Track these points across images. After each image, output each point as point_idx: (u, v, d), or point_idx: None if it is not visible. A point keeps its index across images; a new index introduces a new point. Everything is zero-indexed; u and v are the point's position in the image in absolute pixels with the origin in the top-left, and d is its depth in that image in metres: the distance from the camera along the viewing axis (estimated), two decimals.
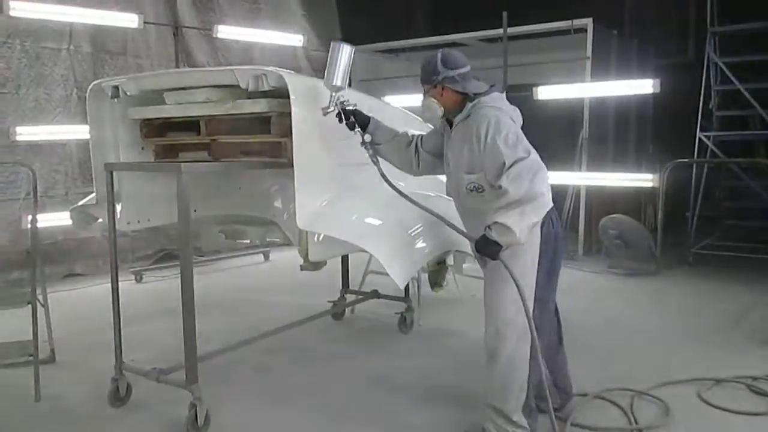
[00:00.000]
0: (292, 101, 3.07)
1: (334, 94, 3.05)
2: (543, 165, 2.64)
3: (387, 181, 3.03)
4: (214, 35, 7.47)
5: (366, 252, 3.19)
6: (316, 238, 3.49)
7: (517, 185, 2.57)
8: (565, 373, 3.27)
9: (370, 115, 3.18)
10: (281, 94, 3.17)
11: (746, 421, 3.34)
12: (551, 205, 2.69)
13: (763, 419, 3.36)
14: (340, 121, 3.10)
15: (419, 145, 3.21)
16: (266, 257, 7.79)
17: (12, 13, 5.85)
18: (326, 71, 2.98)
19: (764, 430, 3.27)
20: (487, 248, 2.65)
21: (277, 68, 3.22)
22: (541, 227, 2.80)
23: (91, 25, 6.56)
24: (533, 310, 2.74)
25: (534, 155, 2.66)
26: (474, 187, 2.79)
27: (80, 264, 6.78)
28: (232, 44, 7.87)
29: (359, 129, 3.11)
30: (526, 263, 2.79)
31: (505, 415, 2.90)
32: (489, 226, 2.63)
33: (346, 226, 3.19)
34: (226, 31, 7.52)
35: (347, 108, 3.09)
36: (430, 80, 2.88)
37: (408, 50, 9.19)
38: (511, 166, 2.59)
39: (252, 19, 8.20)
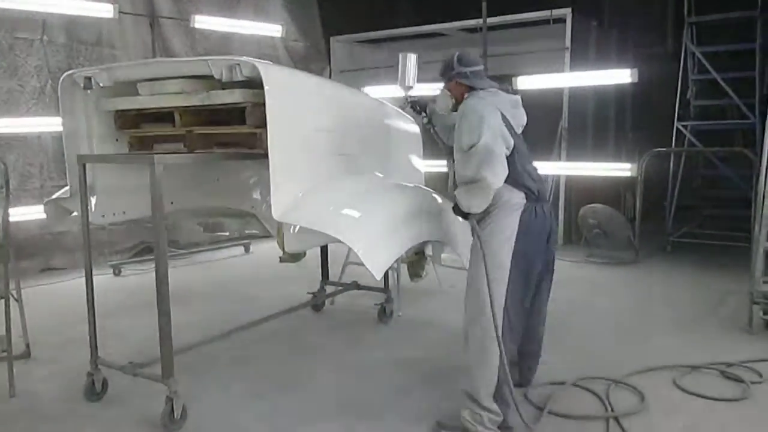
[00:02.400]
0: (266, 91, 3.04)
1: (406, 92, 3.70)
2: (492, 150, 2.83)
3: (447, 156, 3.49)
4: (191, 25, 7.35)
5: (343, 243, 3.18)
6: (292, 230, 3.47)
7: (466, 167, 2.89)
8: (538, 342, 3.49)
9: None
10: (256, 84, 3.14)
11: (720, 406, 3.40)
12: (497, 186, 2.86)
13: (736, 405, 3.42)
14: (413, 109, 3.70)
15: None
16: (247, 250, 7.75)
17: None
18: (399, 75, 3.62)
19: (738, 415, 3.32)
20: (456, 212, 3.06)
21: (251, 58, 3.19)
22: (522, 213, 2.99)
23: (65, 15, 6.43)
24: (507, 289, 2.96)
25: (485, 141, 2.83)
26: (458, 162, 3.04)
27: (57, 258, 6.69)
28: (210, 34, 7.77)
29: (423, 112, 3.67)
30: (501, 244, 2.97)
31: (476, 400, 3.00)
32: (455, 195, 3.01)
33: (323, 217, 3.17)
34: (203, 21, 7.41)
35: (414, 100, 3.70)
36: (446, 75, 3.23)
37: (388, 40, 9.14)
38: (467, 150, 2.88)
39: (230, 8, 8.11)
